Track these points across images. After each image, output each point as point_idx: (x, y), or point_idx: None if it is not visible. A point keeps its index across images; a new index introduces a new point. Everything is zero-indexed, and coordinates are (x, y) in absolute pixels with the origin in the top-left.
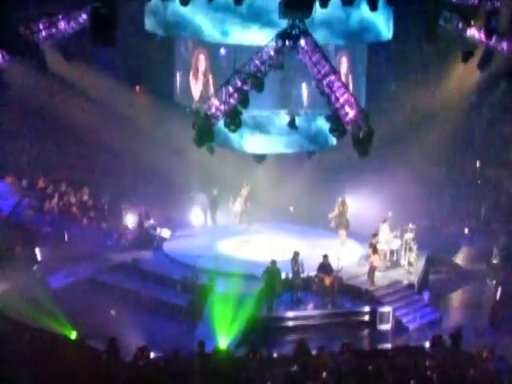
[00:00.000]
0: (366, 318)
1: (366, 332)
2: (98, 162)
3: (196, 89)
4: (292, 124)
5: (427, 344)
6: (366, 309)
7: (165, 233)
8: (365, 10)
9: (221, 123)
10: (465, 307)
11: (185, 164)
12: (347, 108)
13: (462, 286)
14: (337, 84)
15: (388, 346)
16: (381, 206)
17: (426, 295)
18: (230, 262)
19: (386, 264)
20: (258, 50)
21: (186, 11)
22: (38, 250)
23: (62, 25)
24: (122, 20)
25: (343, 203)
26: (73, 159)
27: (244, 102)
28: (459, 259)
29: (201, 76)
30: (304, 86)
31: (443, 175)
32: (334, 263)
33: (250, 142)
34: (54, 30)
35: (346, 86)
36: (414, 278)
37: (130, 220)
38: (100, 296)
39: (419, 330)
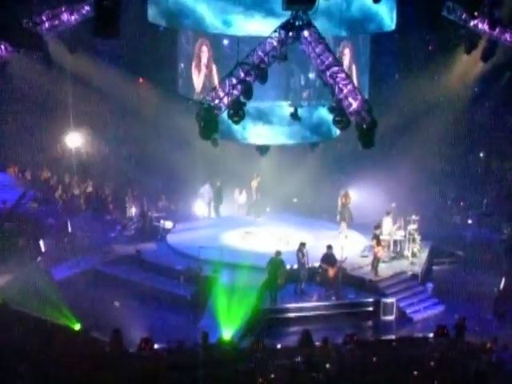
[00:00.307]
0: (370, 308)
1: (369, 323)
2: (102, 152)
3: (198, 80)
4: (295, 115)
5: (431, 335)
6: (370, 300)
7: (168, 224)
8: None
9: (224, 115)
10: (468, 298)
11: (189, 155)
12: (350, 99)
13: (466, 277)
14: (340, 75)
15: (392, 336)
16: (384, 197)
17: (429, 286)
18: (234, 254)
19: (390, 255)
20: (261, 41)
21: (188, 0)
22: (41, 242)
23: (65, 16)
24: (126, 11)
25: (346, 195)
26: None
27: (247, 93)
28: None
29: (203, 67)
30: (307, 77)
31: (447, 166)
32: (338, 254)
33: (253, 133)
34: (57, 22)
35: (349, 77)
36: (418, 269)
37: (134, 211)
38: (104, 287)
39: (423, 320)
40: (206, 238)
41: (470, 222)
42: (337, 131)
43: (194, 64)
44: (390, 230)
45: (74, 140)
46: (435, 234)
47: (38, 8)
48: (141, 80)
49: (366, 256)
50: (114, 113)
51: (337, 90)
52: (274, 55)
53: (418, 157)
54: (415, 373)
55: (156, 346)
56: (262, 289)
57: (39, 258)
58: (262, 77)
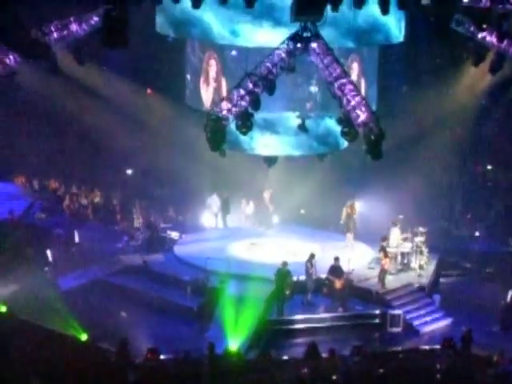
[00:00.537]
0: (377, 320)
1: (376, 335)
2: (110, 162)
3: (207, 95)
4: (302, 127)
5: (438, 347)
6: (377, 311)
7: (175, 235)
8: (374, 9)
9: (231, 125)
10: (476, 310)
11: (197, 166)
12: (358, 111)
13: (473, 290)
14: (348, 87)
15: (398, 348)
16: (392, 209)
17: (436, 298)
18: (241, 265)
19: (397, 267)
20: (269, 52)
21: (196, 10)
22: (49, 252)
23: (73, 27)
24: (135, 22)
25: (352, 206)
26: (85, 160)
27: (255, 104)
28: None
29: (212, 81)
30: (315, 88)
31: (454, 178)
32: (345, 266)
33: (261, 144)
34: (65, 32)
35: (357, 88)
36: (425, 281)
37: (141, 222)
38: (110, 298)
39: (430, 333)
40: (213, 249)
41: (477, 234)
42: (345, 143)
43: (202, 79)
44: (397, 242)
45: None
46: (442, 247)
47: (47, 18)
48: (149, 91)
49: (372, 268)
50: (122, 123)
51: (345, 101)
52: (282, 66)
53: (426, 169)
54: None
55: (162, 357)
56: (269, 300)
57: (46, 268)
58: (270, 88)
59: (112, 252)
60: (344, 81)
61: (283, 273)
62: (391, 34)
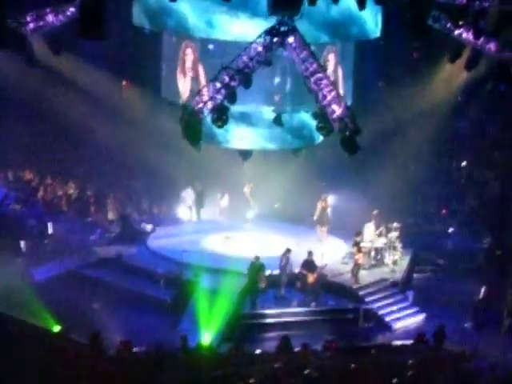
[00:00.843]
0: (350, 315)
1: (349, 330)
2: (85, 154)
3: (184, 86)
4: (278, 121)
5: (410, 343)
6: (350, 306)
7: (148, 228)
8: (350, 3)
9: (206, 119)
10: (449, 307)
11: (172, 158)
12: (334, 106)
13: (446, 286)
14: (324, 82)
15: (371, 344)
16: (367, 204)
17: (410, 294)
18: (215, 258)
19: (371, 262)
20: (245, 45)
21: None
22: (22, 243)
23: (50, 17)
24: (112, 13)
25: (325, 201)
26: (59, 151)
27: (231, 97)
28: None
29: (188, 71)
30: (290, 82)
31: (429, 174)
32: (319, 260)
33: (236, 136)
34: (41, 23)
35: (333, 83)
36: (398, 277)
37: (115, 214)
38: (84, 290)
39: (403, 328)
40: (187, 242)
41: (451, 230)
42: (320, 137)
43: (178, 69)
44: (371, 237)
45: None
46: (416, 242)
47: (22, 9)
48: (124, 82)
49: (346, 263)
50: (98, 115)
51: (320, 96)
52: (259, 60)
53: (401, 164)
54: (394, 380)
55: (135, 349)
56: (242, 293)
57: (19, 259)
58: (246, 82)
59: (86, 244)
60: (320, 75)
61: (256, 266)
62: (367, 29)
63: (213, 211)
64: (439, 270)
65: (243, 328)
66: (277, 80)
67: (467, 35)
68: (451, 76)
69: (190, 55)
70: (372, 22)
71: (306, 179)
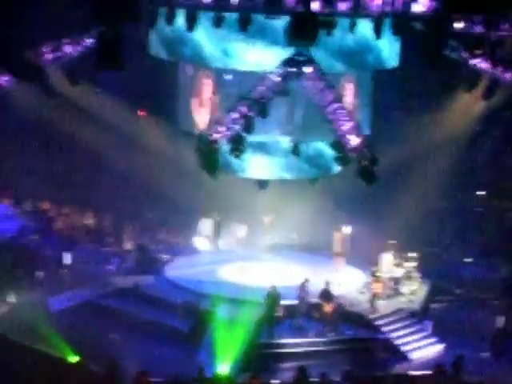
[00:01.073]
0: (367, 345)
1: (367, 359)
2: (102, 184)
3: (200, 116)
4: (295, 151)
5: (428, 373)
6: (367, 336)
7: (166, 257)
8: (367, 32)
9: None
10: (467, 336)
11: (189, 188)
12: (351, 136)
13: (464, 315)
14: (341, 112)
15: (389, 373)
16: (384, 234)
17: (428, 324)
18: (232, 288)
19: (388, 292)
20: (262, 75)
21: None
22: (39, 273)
23: (67, 48)
24: (129, 43)
25: (343, 231)
26: (77, 181)
27: (248, 128)
28: None
29: (205, 101)
30: (307, 112)
31: (447, 204)
32: (336, 290)
33: (251, 166)
34: (59, 54)
35: (350, 113)
36: (416, 307)
37: (132, 244)
38: (101, 320)
39: (420, 358)
40: (205, 272)
41: (468, 260)
42: (337, 166)
43: (195, 99)
44: (388, 266)
45: None
46: (434, 272)
47: (40, 39)
48: (140, 112)
49: (363, 293)
50: (114, 144)
51: (337, 126)
52: (276, 90)
53: (418, 194)
54: None
55: (152, 380)
56: (259, 323)
57: (37, 289)
58: (263, 112)
59: (103, 274)
60: (337, 105)
61: (273, 296)
62: (383, 58)
63: (229, 241)
64: (457, 300)
65: (260, 358)
66: (293, 110)
67: (484, 65)
68: (468, 106)
69: (206, 85)
70: (389, 51)
71: (323, 209)
